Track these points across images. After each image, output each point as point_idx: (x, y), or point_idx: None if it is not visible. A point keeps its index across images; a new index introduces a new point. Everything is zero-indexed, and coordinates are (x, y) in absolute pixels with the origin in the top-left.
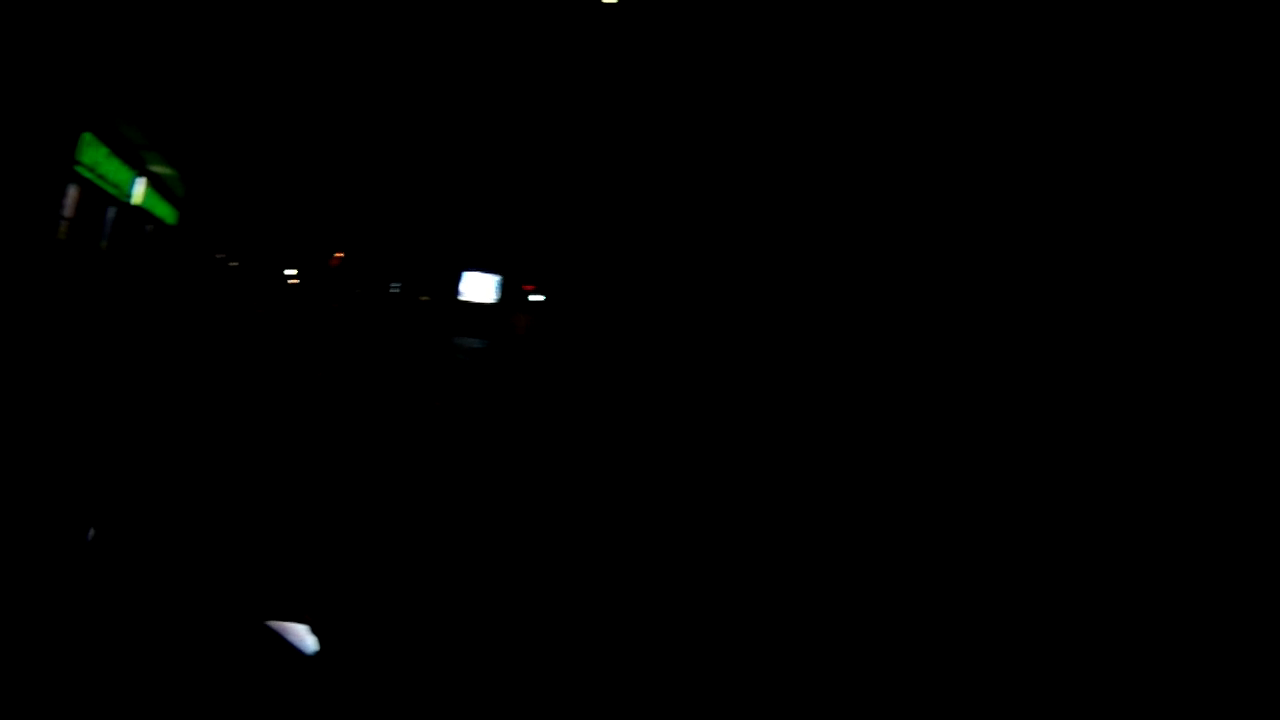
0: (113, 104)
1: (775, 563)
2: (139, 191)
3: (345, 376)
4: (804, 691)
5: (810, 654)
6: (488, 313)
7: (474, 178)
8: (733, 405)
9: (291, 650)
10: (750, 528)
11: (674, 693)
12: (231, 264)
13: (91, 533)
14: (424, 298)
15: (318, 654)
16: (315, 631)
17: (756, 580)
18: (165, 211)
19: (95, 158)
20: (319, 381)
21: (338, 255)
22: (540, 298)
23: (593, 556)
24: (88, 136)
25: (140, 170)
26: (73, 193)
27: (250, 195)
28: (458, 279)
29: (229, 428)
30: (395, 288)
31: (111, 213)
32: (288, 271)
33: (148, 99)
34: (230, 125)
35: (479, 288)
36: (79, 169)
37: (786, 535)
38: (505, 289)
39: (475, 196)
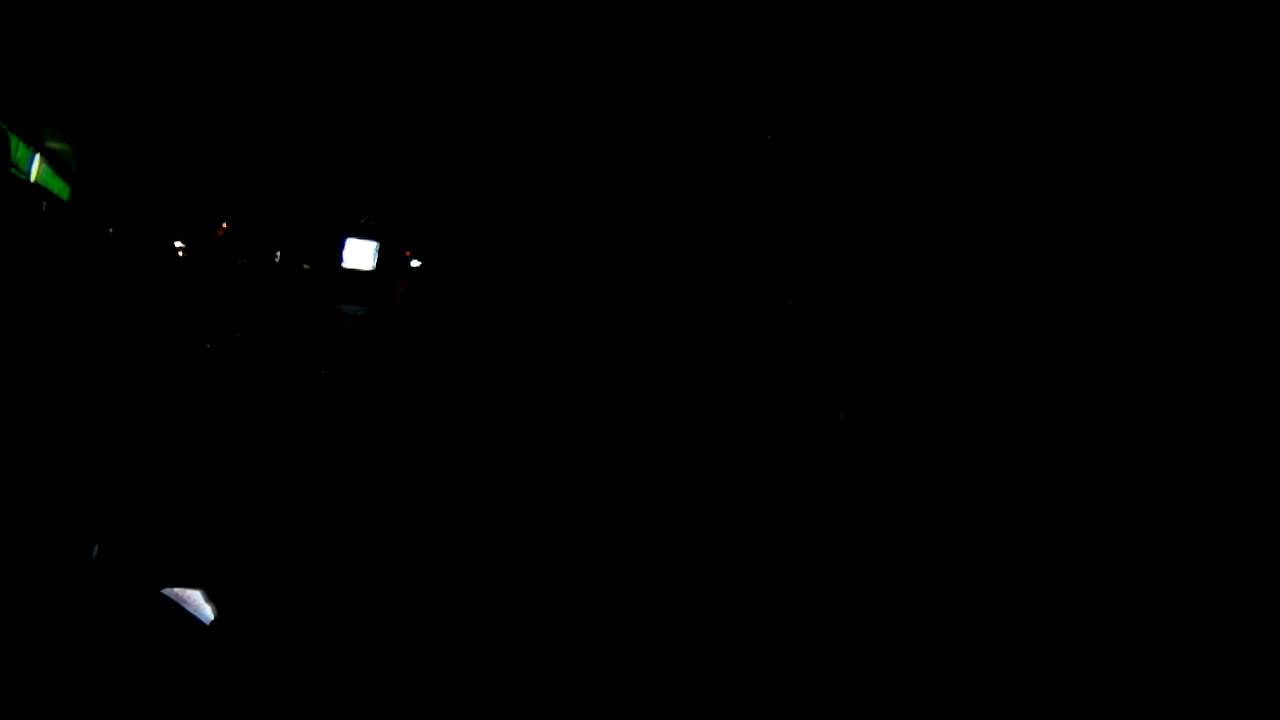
0: (12, 79)
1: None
2: (35, 169)
3: (229, 344)
4: (799, 691)
5: (788, 652)
6: (368, 280)
7: (354, 144)
8: (606, 370)
9: (189, 619)
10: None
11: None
12: (122, 238)
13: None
14: (306, 266)
15: (215, 623)
16: (212, 599)
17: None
18: (60, 188)
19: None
20: (205, 348)
21: (223, 226)
22: (418, 263)
23: (466, 521)
24: None
25: (37, 147)
26: None
27: (142, 170)
28: (340, 246)
29: (122, 399)
30: (278, 256)
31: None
32: (176, 244)
33: (44, 73)
34: (124, 98)
35: (360, 255)
36: None
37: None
38: (384, 255)
39: (355, 163)
